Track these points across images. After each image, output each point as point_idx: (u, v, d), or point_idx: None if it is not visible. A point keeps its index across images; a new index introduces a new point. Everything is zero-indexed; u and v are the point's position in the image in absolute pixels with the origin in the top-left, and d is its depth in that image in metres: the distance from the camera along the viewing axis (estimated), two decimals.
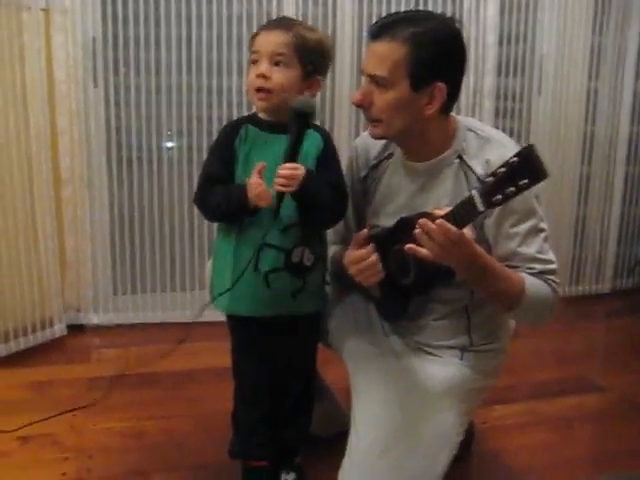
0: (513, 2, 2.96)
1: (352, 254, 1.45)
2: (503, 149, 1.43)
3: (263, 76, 1.40)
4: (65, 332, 2.64)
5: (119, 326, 2.79)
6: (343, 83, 2.82)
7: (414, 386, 1.53)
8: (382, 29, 1.38)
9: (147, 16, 2.59)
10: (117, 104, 2.66)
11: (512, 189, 1.13)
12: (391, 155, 1.59)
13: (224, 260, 1.50)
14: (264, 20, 2.66)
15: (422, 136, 1.46)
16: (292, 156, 1.36)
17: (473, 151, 1.47)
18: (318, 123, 1.57)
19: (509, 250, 1.44)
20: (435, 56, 1.37)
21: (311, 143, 1.46)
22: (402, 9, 2.77)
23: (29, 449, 1.86)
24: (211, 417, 2.06)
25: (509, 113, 3.13)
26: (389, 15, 1.44)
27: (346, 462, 1.49)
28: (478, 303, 1.54)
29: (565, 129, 3.11)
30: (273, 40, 1.40)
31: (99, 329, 2.76)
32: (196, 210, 2.70)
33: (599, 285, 3.40)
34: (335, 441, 1.87)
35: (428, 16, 1.44)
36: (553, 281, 1.45)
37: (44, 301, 2.55)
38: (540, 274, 1.43)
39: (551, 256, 1.46)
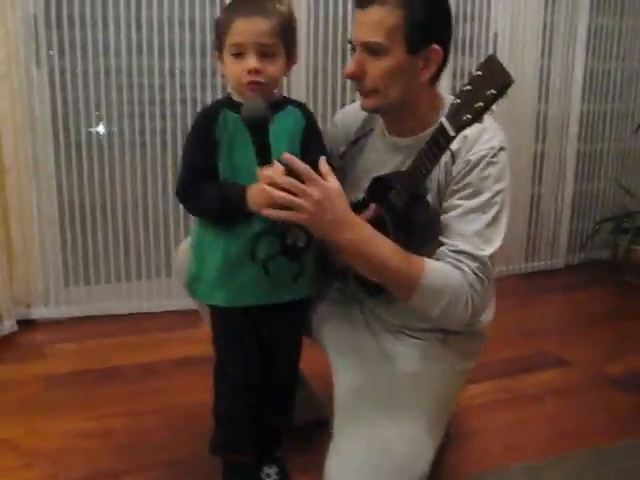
0: None
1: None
2: (483, 128, 1.37)
3: (255, 71, 1.31)
4: (15, 328, 2.50)
5: (72, 319, 2.66)
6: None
7: (395, 372, 1.50)
8: None
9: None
10: (64, 87, 2.51)
11: (480, 104, 1.11)
12: (371, 131, 1.54)
13: (212, 253, 1.43)
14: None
15: (412, 107, 1.42)
16: (265, 160, 1.26)
17: None
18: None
19: (445, 220, 1.35)
20: (430, 17, 1.33)
21: (290, 120, 1.40)
22: None
23: None
24: (179, 410, 1.99)
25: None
26: None
27: (332, 455, 1.43)
28: None
29: (520, 107, 3.12)
30: (257, 29, 1.30)
31: (51, 324, 2.63)
32: (150, 195, 2.67)
33: (553, 260, 3.45)
34: (311, 430, 1.84)
35: None
36: (470, 268, 1.30)
37: None
38: (458, 253, 1.31)
39: (488, 248, 1.32)
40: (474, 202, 1.34)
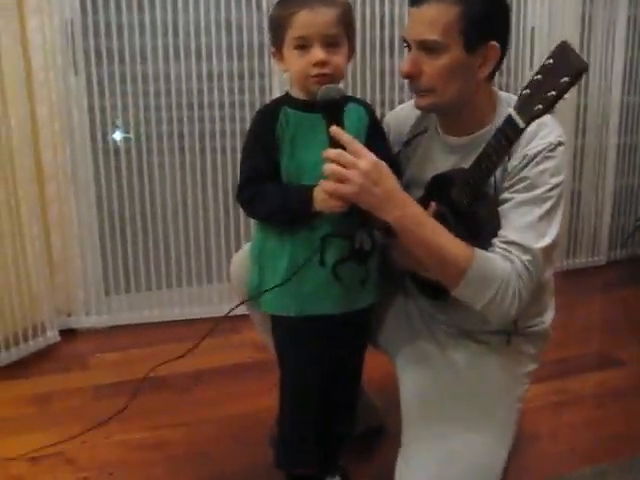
0: None
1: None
2: (541, 123, 1.32)
3: (322, 63, 1.26)
4: (58, 338, 2.48)
5: (113, 328, 2.64)
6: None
7: (464, 379, 1.46)
8: None
9: (129, 1, 2.43)
10: (101, 94, 2.49)
11: (553, 93, 1.07)
12: (425, 130, 1.49)
13: (276, 260, 1.37)
14: (252, 1, 2.52)
15: (469, 105, 1.36)
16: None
17: None
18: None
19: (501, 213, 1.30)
20: (488, 13, 1.28)
21: (354, 118, 1.34)
22: None
23: (42, 471, 1.71)
24: (232, 421, 1.95)
25: (501, 88, 3.04)
26: None
27: (402, 464, 1.40)
28: None
29: (559, 102, 3.04)
30: (322, 20, 1.25)
31: (92, 333, 2.61)
32: (190, 201, 2.64)
33: (595, 257, 3.38)
34: (369, 438, 1.80)
35: None
36: (521, 261, 1.25)
37: (34, 307, 2.38)
38: (509, 244, 1.25)
39: (541, 242, 1.27)
40: (528, 195, 1.28)
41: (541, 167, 1.29)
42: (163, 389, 2.16)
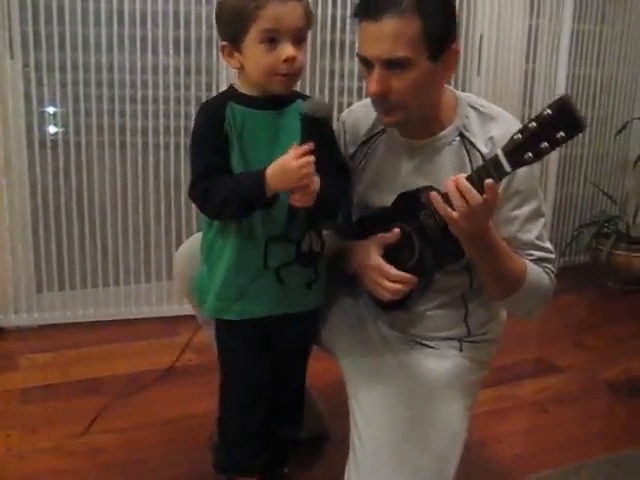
0: None
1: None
2: (507, 126, 1.33)
3: (293, 59, 1.20)
4: None
5: (44, 327, 2.51)
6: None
7: (416, 384, 1.43)
8: (381, 4, 1.21)
9: None
10: (39, 82, 2.36)
11: (546, 144, 1.06)
12: (384, 130, 1.46)
13: (221, 261, 1.32)
14: None
15: (433, 111, 1.34)
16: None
17: (476, 128, 1.36)
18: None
19: (508, 234, 1.35)
20: (447, 18, 1.25)
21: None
22: None
23: None
24: (169, 425, 1.88)
25: None
26: None
27: (352, 470, 1.36)
28: (475, 291, 1.45)
29: (504, 110, 3.09)
30: (293, 13, 1.19)
31: (22, 332, 2.48)
32: (130, 197, 2.54)
33: None
34: (314, 444, 1.75)
35: None
36: (551, 270, 1.38)
37: None
38: (538, 261, 1.36)
39: (549, 245, 1.40)
40: (528, 210, 1.35)
41: (527, 174, 1.32)
42: (97, 392, 2.06)
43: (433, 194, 1.20)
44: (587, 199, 3.55)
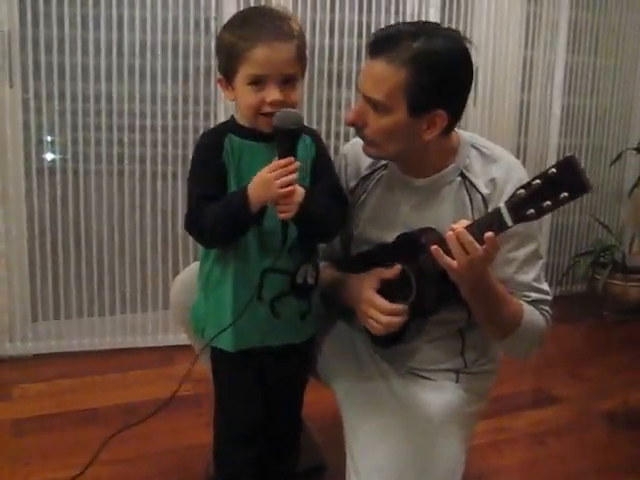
0: (452, 13, 2.94)
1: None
2: (509, 168, 1.37)
3: (278, 103, 1.21)
4: None
5: (39, 357, 2.49)
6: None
7: (413, 416, 1.42)
8: (381, 45, 1.25)
9: (72, 17, 2.34)
10: (38, 110, 2.37)
11: (548, 203, 1.06)
12: (385, 166, 1.46)
13: (220, 292, 1.32)
14: (200, 24, 2.48)
15: (420, 156, 1.35)
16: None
17: (477, 169, 1.38)
18: None
19: (505, 276, 1.36)
20: (437, 82, 1.24)
21: (300, 148, 1.29)
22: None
23: None
24: (167, 456, 1.86)
25: None
26: (390, 26, 1.30)
27: None
28: (473, 325, 1.45)
29: (500, 141, 3.11)
30: (280, 59, 1.20)
31: (16, 361, 2.45)
32: (127, 226, 2.54)
33: None
34: (309, 476, 1.73)
35: (433, 32, 1.27)
36: (547, 312, 1.40)
37: None
38: (534, 303, 1.38)
39: (546, 286, 1.41)
40: (525, 252, 1.36)
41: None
42: (92, 423, 2.03)
43: (434, 248, 1.19)
44: (583, 228, 3.56)
